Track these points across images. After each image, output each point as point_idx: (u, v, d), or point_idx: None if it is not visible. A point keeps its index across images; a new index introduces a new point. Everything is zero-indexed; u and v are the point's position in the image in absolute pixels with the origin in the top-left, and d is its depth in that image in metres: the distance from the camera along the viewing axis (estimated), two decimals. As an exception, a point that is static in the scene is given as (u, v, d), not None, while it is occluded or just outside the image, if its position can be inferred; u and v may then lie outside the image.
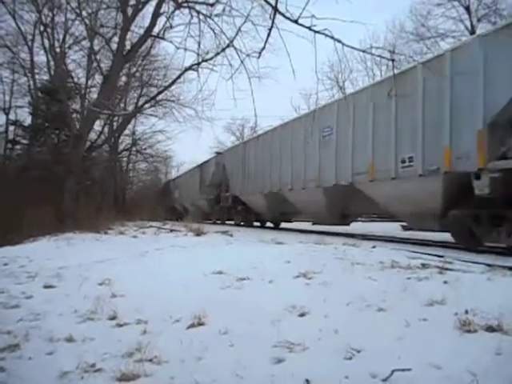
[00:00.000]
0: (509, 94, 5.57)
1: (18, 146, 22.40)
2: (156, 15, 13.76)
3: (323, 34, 3.63)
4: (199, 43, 10.84)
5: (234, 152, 16.43)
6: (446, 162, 6.46)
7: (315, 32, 3.64)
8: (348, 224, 11.08)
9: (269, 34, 4.11)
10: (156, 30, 14.56)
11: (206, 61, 12.67)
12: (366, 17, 22.30)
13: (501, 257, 5.49)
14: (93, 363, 2.38)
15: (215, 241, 8.05)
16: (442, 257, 4.86)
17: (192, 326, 2.96)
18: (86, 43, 18.08)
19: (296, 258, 4.83)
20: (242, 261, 4.83)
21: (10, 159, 22.42)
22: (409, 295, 3.08)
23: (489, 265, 4.19)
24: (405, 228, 10.82)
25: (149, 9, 14.94)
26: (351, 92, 10.17)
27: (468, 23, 20.47)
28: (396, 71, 6.42)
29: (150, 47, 18.78)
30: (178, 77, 16.97)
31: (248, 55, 5.58)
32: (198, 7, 11.41)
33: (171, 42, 16.78)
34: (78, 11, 14.44)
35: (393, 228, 12.21)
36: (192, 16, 10.45)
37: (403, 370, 1.98)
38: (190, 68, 14.60)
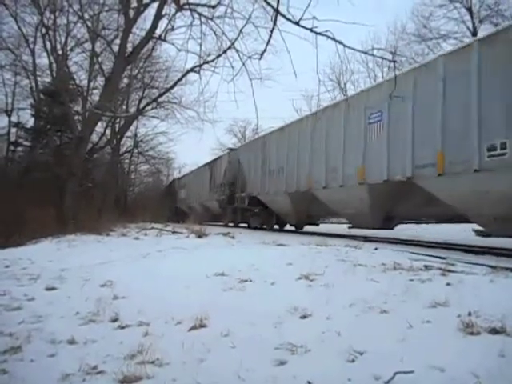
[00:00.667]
0: None
1: (20, 148, 22.47)
2: (158, 17, 13.79)
3: (325, 35, 3.63)
4: (201, 45, 10.90)
5: (252, 147, 14.75)
6: None
7: (317, 34, 3.64)
8: (392, 228, 9.34)
9: (270, 36, 4.12)
10: (158, 32, 14.62)
11: (208, 63, 12.70)
12: (367, 18, 22.27)
13: (503, 258, 5.47)
14: (95, 365, 2.38)
15: (217, 243, 8.05)
16: (444, 258, 4.85)
17: (194, 327, 2.95)
18: (87, 45, 18.20)
19: (298, 260, 4.82)
20: (243, 263, 4.83)
21: (12, 161, 22.48)
22: (411, 297, 3.06)
23: (492, 266, 4.18)
24: (481, 234, 7.73)
25: (150, 11, 14.99)
26: (411, 67, 8.10)
27: (470, 24, 20.47)
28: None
29: (152, 49, 18.84)
30: (180, 79, 17.03)
31: (249, 57, 5.60)
32: (199, 9, 11.46)
33: (173, 44, 16.88)
34: (79, 13, 14.50)
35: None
36: (193, 18, 10.50)
37: (406, 372, 1.97)
38: (191, 70, 14.63)
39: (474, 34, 18.89)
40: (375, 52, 4.46)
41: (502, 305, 2.65)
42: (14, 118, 23.21)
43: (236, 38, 7.69)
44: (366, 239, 8.85)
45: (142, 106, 22.08)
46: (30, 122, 22.13)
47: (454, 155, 6.39)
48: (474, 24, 20.28)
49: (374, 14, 37.32)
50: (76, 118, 17.13)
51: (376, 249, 6.05)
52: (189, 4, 12.04)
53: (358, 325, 2.72)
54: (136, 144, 27.60)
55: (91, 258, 6.53)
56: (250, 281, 4.09)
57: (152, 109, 23.17)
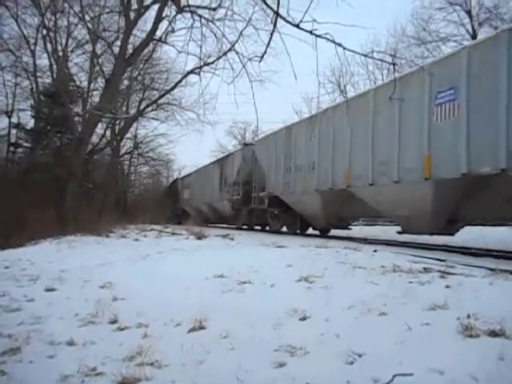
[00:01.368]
0: None
1: (20, 149, 22.46)
2: (158, 19, 13.82)
3: (324, 38, 3.64)
4: (201, 47, 10.95)
5: (272, 140, 12.90)
6: None
7: (316, 36, 3.65)
8: (453, 234, 7.85)
9: (270, 38, 4.12)
10: (158, 33, 14.65)
11: (208, 64, 12.75)
12: (367, 21, 22.32)
13: (503, 260, 5.47)
14: (94, 367, 2.38)
15: (217, 244, 8.05)
16: (443, 261, 4.85)
17: (193, 329, 2.95)
18: (88, 47, 18.22)
19: (297, 262, 4.82)
20: (243, 264, 4.83)
21: (13, 162, 22.47)
22: (410, 299, 3.06)
23: (491, 269, 4.18)
24: None
25: (151, 13, 15.04)
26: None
27: (469, 27, 20.50)
28: None
29: (152, 51, 18.86)
30: (180, 80, 17.08)
31: (250, 59, 5.61)
32: (199, 11, 11.49)
33: (173, 45, 16.91)
34: (80, 15, 14.53)
35: (394, 231, 12.15)
36: (194, 20, 10.52)
37: (405, 374, 1.97)
38: (191, 72, 14.67)
39: (474, 37, 18.93)
40: (375, 55, 4.48)
41: (501, 307, 2.65)
42: (14, 119, 23.20)
43: (236, 40, 7.73)
44: (366, 241, 8.85)
45: (142, 107, 22.12)
46: (31, 123, 22.16)
47: None
48: (473, 27, 20.33)
49: (374, 17, 37.43)
50: (76, 119, 17.14)
51: (375, 251, 6.05)
52: (189, 6, 12.06)
53: (357, 327, 2.72)
54: (136, 145, 27.60)
55: (91, 260, 6.53)
56: (250, 283, 4.09)
57: (152, 110, 23.22)
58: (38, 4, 15.11)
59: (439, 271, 4.00)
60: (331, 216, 10.55)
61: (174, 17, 13.09)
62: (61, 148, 20.13)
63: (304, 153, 10.91)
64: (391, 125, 7.87)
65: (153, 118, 25.22)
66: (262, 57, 4.59)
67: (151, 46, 16.96)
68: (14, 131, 22.78)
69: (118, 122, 21.55)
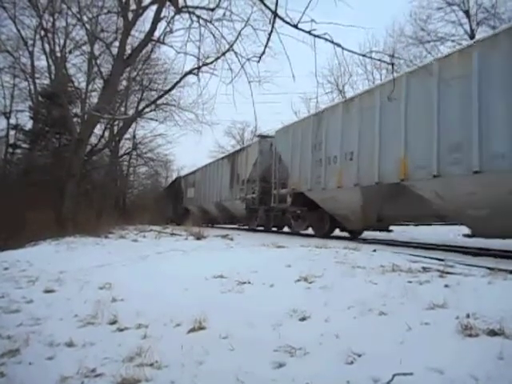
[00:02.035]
0: None
1: (18, 151, 22.47)
2: (156, 20, 13.83)
3: (323, 38, 3.64)
4: (199, 47, 10.98)
5: (298, 130, 11.18)
6: None
7: (315, 36, 3.65)
8: None
9: (269, 39, 4.12)
10: (156, 34, 14.68)
11: (207, 65, 12.75)
12: (365, 21, 22.36)
13: (502, 260, 5.48)
14: (93, 368, 2.38)
15: (216, 245, 8.05)
16: (442, 260, 4.85)
17: (193, 330, 2.95)
18: (86, 48, 18.22)
19: (297, 262, 4.82)
20: (242, 265, 4.83)
21: (11, 163, 22.46)
22: (410, 299, 3.07)
23: (490, 268, 4.18)
24: None
25: (149, 13, 15.08)
26: None
27: (467, 27, 20.54)
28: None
29: (151, 51, 18.87)
30: (179, 81, 17.08)
31: (248, 59, 5.61)
32: (198, 12, 11.49)
33: (171, 46, 16.96)
34: (78, 16, 14.52)
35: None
36: (192, 21, 10.52)
37: (404, 374, 1.97)
38: (190, 72, 14.68)
39: (473, 36, 18.96)
40: (373, 54, 4.48)
41: (500, 306, 2.65)
42: (12, 121, 23.22)
43: (235, 41, 7.74)
44: (365, 241, 8.85)
45: (140, 108, 22.10)
46: (29, 125, 22.17)
47: None
48: (471, 27, 20.36)
49: (373, 17, 37.48)
50: (75, 120, 17.14)
51: (374, 251, 6.05)
52: (187, 7, 12.07)
53: (357, 327, 2.72)
54: (135, 146, 27.59)
55: (90, 261, 6.52)
56: (249, 283, 4.09)
57: (151, 111, 23.20)
58: (36, 5, 15.11)
59: (438, 271, 4.00)
60: (371, 216, 8.80)
61: (173, 17, 13.13)
62: (59, 149, 20.12)
63: (339, 141, 9.19)
64: (464, 97, 6.22)
65: (151, 119, 25.23)
66: (260, 57, 4.59)
67: (149, 46, 16.97)
68: (12, 132, 22.81)
69: (116, 122, 21.56)
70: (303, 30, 3.64)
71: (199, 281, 4.35)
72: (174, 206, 23.88)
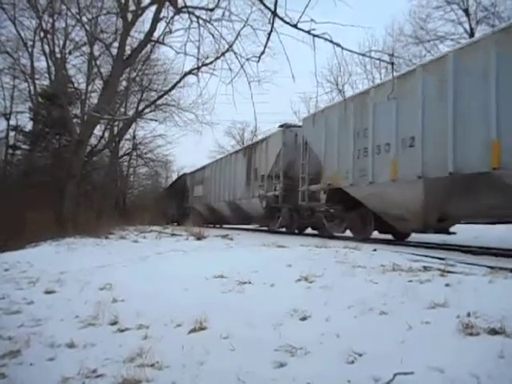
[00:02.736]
0: None
1: (18, 152, 22.46)
2: (156, 20, 13.83)
3: (322, 37, 3.64)
4: (199, 48, 10.90)
5: (331, 116, 9.66)
6: None
7: (314, 36, 3.65)
8: None
9: (268, 39, 4.12)
10: (156, 34, 14.67)
11: (206, 65, 12.73)
12: (365, 21, 22.35)
13: (502, 259, 5.48)
14: (94, 369, 2.38)
15: (216, 245, 8.05)
16: (443, 259, 4.85)
17: (193, 330, 2.95)
18: (86, 49, 18.22)
19: (297, 262, 4.82)
20: (243, 264, 4.83)
21: (11, 165, 22.47)
22: (410, 298, 3.06)
23: (491, 267, 4.18)
24: None
25: (148, 14, 15.06)
26: None
27: (467, 26, 20.54)
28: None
29: (150, 52, 18.87)
30: (178, 81, 17.06)
31: (248, 59, 5.59)
32: (197, 12, 11.47)
33: (171, 46, 16.94)
34: (78, 17, 14.53)
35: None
36: (191, 21, 10.49)
37: (405, 373, 1.97)
38: (189, 72, 14.67)
39: (472, 35, 18.96)
40: (373, 54, 4.50)
41: (501, 305, 2.65)
42: (12, 122, 23.22)
43: (234, 41, 7.73)
44: (365, 241, 8.84)
45: (140, 108, 22.10)
46: (29, 126, 22.17)
47: None
48: (470, 25, 20.36)
49: (372, 16, 37.48)
50: (75, 121, 17.14)
51: (375, 250, 6.05)
52: (187, 7, 12.06)
53: (358, 326, 2.72)
54: (135, 147, 27.59)
55: (90, 261, 6.53)
56: (250, 283, 4.09)
57: (150, 111, 23.18)
58: (36, 6, 15.10)
59: (439, 270, 4.00)
60: (432, 214, 7.29)
61: (172, 18, 13.14)
62: (59, 150, 20.13)
63: (393, 125, 7.63)
64: None
65: (151, 119, 25.21)
66: (259, 57, 4.59)
67: (149, 47, 16.97)
68: (12, 134, 22.81)
69: (116, 123, 21.55)
70: (303, 30, 3.64)
71: (199, 281, 4.35)
72: (179, 205, 22.73)
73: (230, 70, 8.64)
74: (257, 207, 13.73)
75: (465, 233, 9.04)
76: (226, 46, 8.63)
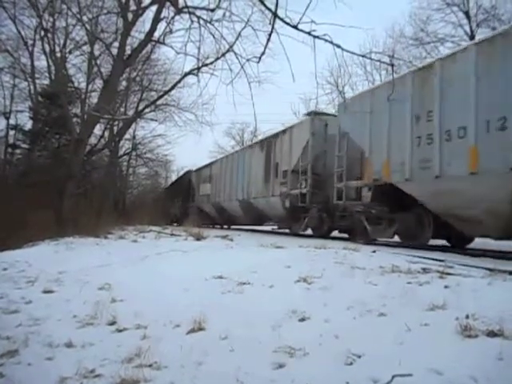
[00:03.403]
0: None
1: (18, 151, 22.45)
2: (156, 20, 13.83)
3: (323, 39, 3.65)
4: (199, 48, 10.95)
5: (377, 98, 8.21)
6: None
7: (315, 37, 3.65)
8: None
9: (268, 39, 4.13)
10: (156, 34, 14.65)
11: (206, 65, 12.74)
12: (365, 22, 22.37)
13: (501, 261, 5.48)
14: (92, 369, 2.37)
15: (216, 245, 8.04)
16: (442, 261, 4.85)
17: (192, 330, 2.95)
18: (86, 48, 18.20)
19: (296, 263, 4.82)
20: (242, 265, 4.83)
21: (11, 164, 22.45)
22: (409, 300, 3.06)
23: (489, 269, 4.19)
24: None
25: (149, 14, 15.06)
26: None
27: (467, 28, 20.56)
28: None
29: (151, 52, 18.86)
30: (178, 81, 17.07)
31: (248, 60, 5.59)
32: (198, 12, 11.45)
33: (171, 46, 16.92)
34: (78, 16, 14.50)
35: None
36: (192, 21, 10.48)
37: (404, 375, 1.97)
38: (190, 73, 14.68)
39: (472, 37, 18.98)
40: (373, 55, 4.49)
41: (499, 307, 2.65)
42: (12, 121, 23.21)
43: (234, 41, 7.70)
44: (364, 242, 8.83)
45: (140, 108, 22.09)
46: (29, 125, 22.16)
47: None
48: (471, 28, 20.38)
49: (372, 18, 37.53)
50: (74, 120, 17.12)
51: (374, 251, 6.05)
52: (187, 7, 12.05)
53: (356, 328, 2.72)
54: (134, 146, 27.58)
55: (89, 261, 6.51)
56: (249, 283, 4.09)
57: (150, 111, 23.19)
58: (36, 5, 15.09)
59: (438, 271, 4.01)
60: None
61: (173, 18, 13.12)
62: (59, 149, 20.11)
63: (471, 104, 6.20)
64: None
65: (151, 119, 25.23)
66: (260, 58, 4.60)
67: (149, 47, 16.96)
68: (12, 132, 22.79)
69: (116, 123, 21.55)
70: (303, 31, 3.65)
71: (199, 281, 4.35)
72: (183, 204, 21.67)
73: (231, 70, 8.62)
74: (276, 207, 12.46)
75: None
76: (227, 47, 8.62)
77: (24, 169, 19.84)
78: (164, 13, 13.68)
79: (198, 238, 9.61)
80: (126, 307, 3.59)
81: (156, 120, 24.95)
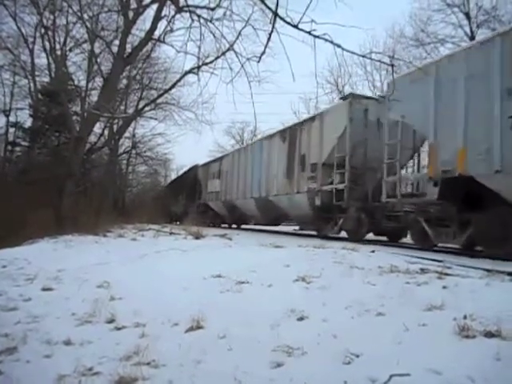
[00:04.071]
0: None
1: (17, 148, 22.43)
2: (157, 19, 13.81)
3: (323, 38, 3.64)
4: (199, 47, 10.92)
5: (447, 69, 6.79)
6: None
7: (315, 37, 3.65)
8: None
9: (269, 39, 4.12)
10: (157, 33, 14.62)
11: (207, 64, 12.73)
12: (365, 22, 22.37)
13: (499, 262, 5.49)
14: (90, 366, 2.37)
15: (215, 244, 8.04)
16: (441, 262, 4.86)
17: (191, 329, 2.95)
18: (86, 46, 18.16)
19: (295, 262, 4.83)
20: (241, 264, 4.83)
21: (10, 161, 22.44)
22: (408, 300, 3.07)
23: (487, 270, 4.19)
24: None
25: (150, 12, 15.01)
26: None
27: (467, 29, 20.56)
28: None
29: (151, 50, 18.84)
30: (179, 80, 17.04)
31: (248, 59, 5.59)
32: (198, 11, 11.44)
33: (172, 45, 16.94)
34: (79, 14, 14.48)
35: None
36: (193, 20, 10.47)
37: (402, 375, 1.98)
38: (190, 71, 14.65)
39: (472, 38, 18.98)
40: (373, 55, 4.47)
41: (497, 308, 2.66)
42: (12, 118, 23.16)
43: (235, 41, 7.69)
44: (363, 242, 8.84)
45: (140, 107, 22.08)
46: (28, 122, 22.13)
47: None
48: (471, 29, 20.38)
49: (373, 18, 37.52)
50: (74, 118, 17.11)
51: (373, 251, 6.06)
52: (188, 6, 12.03)
53: (355, 327, 2.73)
54: (134, 145, 27.56)
55: (88, 259, 6.51)
56: (247, 282, 4.10)
57: (150, 110, 23.17)
58: (37, 3, 15.06)
59: (436, 272, 4.01)
60: None
61: (173, 16, 13.09)
62: (59, 147, 20.11)
63: None
64: None
65: (151, 118, 25.20)
66: (260, 57, 4.59)
67: (150, 45, 16.94)
68: (11, 130, 22.75)
69: (116, 121, 21.52)
70: (303, 31, 3.64)
71: (197, 280, 4.35)
72: (188, 202, 20.49)
73: (231, 69, 8.62)
74: (301, 206, 10.86)
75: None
76: (227, 46, 8.60)
77: (24, 166, 19.82)
78: (165, 11, 13.66)
79: (197, 236, 9.61)
80: (125, 305, 3.59)
81: (156, 118, 24.95)
